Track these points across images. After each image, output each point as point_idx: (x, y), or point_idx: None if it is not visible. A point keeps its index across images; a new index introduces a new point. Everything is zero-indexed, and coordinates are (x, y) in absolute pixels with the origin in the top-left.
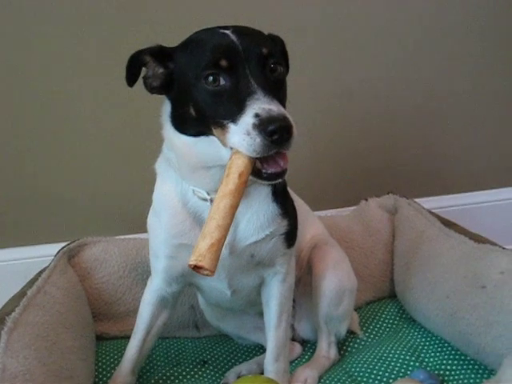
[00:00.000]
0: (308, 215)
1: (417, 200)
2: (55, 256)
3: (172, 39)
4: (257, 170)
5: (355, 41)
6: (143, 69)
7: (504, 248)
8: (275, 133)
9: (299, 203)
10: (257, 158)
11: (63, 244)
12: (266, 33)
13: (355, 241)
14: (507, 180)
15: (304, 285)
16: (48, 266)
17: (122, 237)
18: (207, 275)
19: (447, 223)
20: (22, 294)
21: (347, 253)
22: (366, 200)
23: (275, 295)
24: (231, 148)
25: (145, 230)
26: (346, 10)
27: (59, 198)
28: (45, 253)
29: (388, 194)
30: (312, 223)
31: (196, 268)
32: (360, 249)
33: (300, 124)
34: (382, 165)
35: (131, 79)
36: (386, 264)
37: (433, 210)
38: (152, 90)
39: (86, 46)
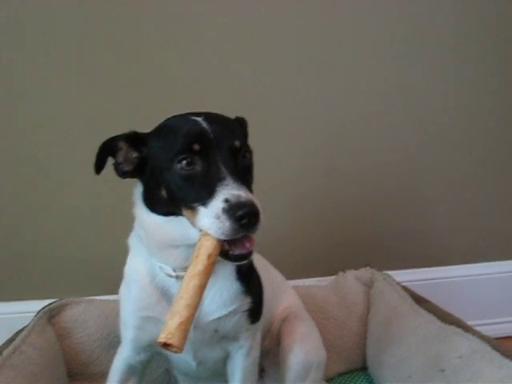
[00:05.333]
0: (282, 286)
1: (395, 272)
2: (36, 315)
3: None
4: (224, 251)
5: (339, 120)
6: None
7: (469, 330)
8: (244, 218)
9: (273, 275)
10: (225, 240)
11: (46, 301)
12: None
13: (330, 312)
14: (482, 256)
15: (274, 355)
16: (27, 326)
17: (104, 297)
18: (176, 352)
19: (419, 300)
20: None
21: (321, 323)
22: (344, 272)
23: (239, 368)
24: (200, 229)
25: None
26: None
27: (45, 256)
28: (29, 308)
29: (365, 266)
30: (286, 295)
31: (165, 345)
32: (334, 320)
33: (283, 196)
34: (361, 238)
35: (101, 166)
36: (359, 336)
37: (411, 283)
38: (124, 174)
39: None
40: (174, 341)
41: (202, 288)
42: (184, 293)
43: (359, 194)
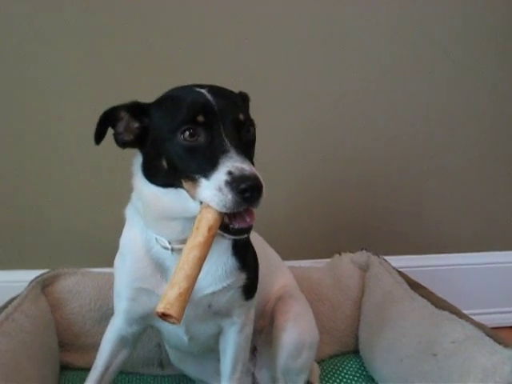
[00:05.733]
0: (278, 266)
1: (393, 257)
2: (29, 284)
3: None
4: (224, 224)
5: (338, 104)
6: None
7: (463, 317)
8: (247, 191)
9: (270, 254)
10: (225, 214)
11: (41, 271)
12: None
13: (324, 294)
14: (481, 245)
15: (267, 335)
16: (20, 294)
17: (98, 270)
18: (173, 323)
19: (414, 285)
20: None
21: (315, 305)
22: (340, 254)
23: (231, 344)
24: (200, 202)
25: None
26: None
27: (39, 226)
28: (23, 278)
29: (362, 250)
30: (281, 274)
31: (163, 316)
32: (329, 302)
33: (283, 178)
34: (360, 222)
35: (100, 136)
36: (352, 319)
37: (408, 269)
38: (124, 144)
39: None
40: (172, 311)
41: (201, 260)
42: (184, 264)
43: (359, 178)
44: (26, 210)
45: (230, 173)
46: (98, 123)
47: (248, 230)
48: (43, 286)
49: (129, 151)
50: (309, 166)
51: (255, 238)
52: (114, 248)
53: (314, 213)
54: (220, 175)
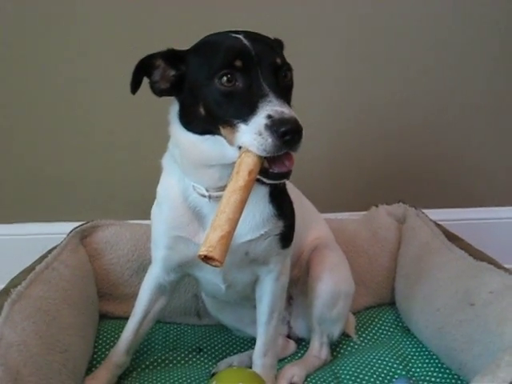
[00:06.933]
0: (313, 217)
1: (430, 211)
2: (68, 235)
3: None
4: (264, 169)
5: (371, 54)
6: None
7: (501, 267)
8: (287, 134)
9: (306, 204)
10: (265, 158)
11: (79, 223)
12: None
13: (361, 246)
14: None
15: (302, 284)
16: (59, 244)
17: (136, 221)
18: (216, 266)
19: (451, 237)
20: (30, 268)
21: (352, 257)
22: (377, 206)
23: (268, 293)
24: (239, 147)
25: None
26: (358, 24)
27: (79, 178)
28: (62, 230)
29: (398, 202)
30: (316, 225)
31: (206, 259)
32: (365, 254)
33: (319, 130)
34: (396, 174)
35: (136, 85)
36: (389, 271)
37: (446, 222)
38: (160, 92)
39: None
40: (215, 254)
41: (242, 203)
42: (225, 207)
43: (396, 129)
44: (65, 163)
45: (269, 116)
46: (133, 72)
47: (287, 174)
48: (81, 236)
49: (165, 99)
50: (345, 117)
51: (291, 189)
52: (151, 200)
53: (350, 165)
54: (259, 119)
